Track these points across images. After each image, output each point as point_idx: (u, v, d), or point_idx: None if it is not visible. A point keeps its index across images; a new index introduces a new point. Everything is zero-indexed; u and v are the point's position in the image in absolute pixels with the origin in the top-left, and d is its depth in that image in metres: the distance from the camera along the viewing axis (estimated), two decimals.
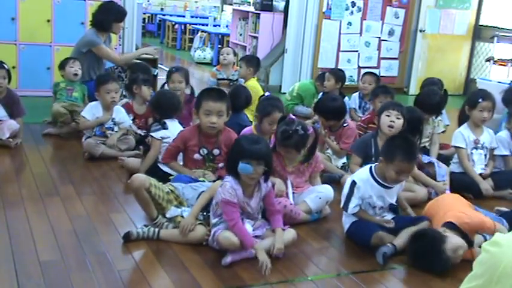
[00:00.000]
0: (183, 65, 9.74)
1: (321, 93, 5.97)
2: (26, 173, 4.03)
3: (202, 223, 3.01)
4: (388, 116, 3.80)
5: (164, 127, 3.91)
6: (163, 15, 14.30)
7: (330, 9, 7.87)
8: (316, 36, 7.86)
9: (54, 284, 2.52)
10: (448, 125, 5.04)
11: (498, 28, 8.45)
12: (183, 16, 13.50)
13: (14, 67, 5.87)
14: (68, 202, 3.46)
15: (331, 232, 3.36)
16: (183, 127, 4.01)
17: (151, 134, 3.93)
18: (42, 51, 6.18)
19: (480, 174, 4.15)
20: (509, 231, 3.21)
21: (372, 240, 3.00)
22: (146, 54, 5.85)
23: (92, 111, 4.47)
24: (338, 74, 5.94)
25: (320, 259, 3.02)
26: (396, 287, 2.81)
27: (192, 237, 2.96)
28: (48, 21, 6.15)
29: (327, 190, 3.50)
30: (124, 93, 5.20)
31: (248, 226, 2.95)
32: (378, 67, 8.31)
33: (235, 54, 6.19)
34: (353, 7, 8.02)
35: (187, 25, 12.70)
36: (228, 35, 10.06)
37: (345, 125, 4.36)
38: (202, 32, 11.47)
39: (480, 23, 8.76)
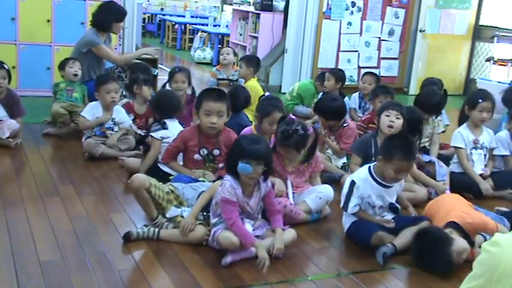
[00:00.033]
0: (183, 65, 9.74)
1: (321, 93, 5.97)
2: (26, 173, 4.03)
3: (202, 223, 3.01)
4: (388, 116, 3.80)
5: (164, 127, 3.92)
6: (163, 15, 14.30)
7: (330, 9, 7.87)
8: (316, 36, 7.86)
9: (54, 284, 2.52)
10: (448, 125, 5.05)
11: (498, 28, 8.45)
12: (183, 16, 13.50)
13: (14, 67, 5.87)
14: (68, 202, 3.46)
15: (331, 232, 3.36)
16: (183, 127, 4.01)
17: (151, 134, 3.93)
18: (42, 51, 6.18)
19: (480, 175, 4.15)
20: (510, 230, 3.22)
21: (372, 240, 3.00)
22: (146, 54, 5.85)
23: (92, 111, 4.48)
24: (338, 74, 5.94)
25: (320, 259, 3.02)
26: (396, 287, 2.81)
27: (192, 237, 2.96)
28: (48, 21, 6.15)
29: (327, 190, 3.50)
30: (124, 93, 5.20)
31: (248, 226, 2.95)
32: (378, 67, 8.31)
33: (235, 54, 6.19)
34: (353, 7, 8.02)
35: (187, 25, 12.70)
36: (228, 35, 10.06)
37: (345, 125, 4.36)
38: (202, 32, 11.47)
39: (480, 23, 8.76)
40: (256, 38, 8.39)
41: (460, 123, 4.39)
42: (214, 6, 14.20)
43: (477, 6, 8.69)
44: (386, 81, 7.57)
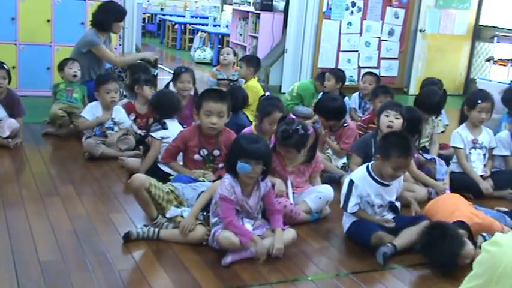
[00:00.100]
0: (183, 65, 9.73)
1: (321, 93, 5.97)
2: (26, 173, 4.03)
3: (202, 223, 3.01)
4: (387, 116, 3.80)
5: (164, 127, 3.92)
6: (163, 15, 14.30)
7: (330, 9, 7.87)
8: (316, 36, 7.86)
9: (54, 284, 2.52)
10: (447, 125, 5.05)
11: (498, 28, 8.45)
12: (183, 16, 13.50)
13: (14, 67, 5.87)
14: (68, 202, 3.46)
15: (331, 232, 3.36)
16: (184, 127, 4.01)
17: (151, 134, 3.93)
18: (42, 51, 6.18)
19: (481, 176, 4.15)
20: None
21: (372, 240, 3.00)
22: (145, 58, 5.83)
23: (91, 111, 4.48)
24: (338, 74, 5.94)
25: (320, 259, 3.02)
26: (396, 287, 2.81)
27: (192, 237, 2.96)
28: (48, 21, 6.15)
29: (327, 190, 3.50)
30: (124, 93, 5.20)
31: (248, 226, 2.96)
32: (378, 67, 8.31)
33: (235, 54, 6.19)
34: (353, 7, 8.02)
35: (187, 25, 12.70)
36: (228, 35, 10.05)
37: (345, 125, 4.36)
38: (202, 32, 11.47)
39: (480, 23, 8.76)
40: (256, 38, 8.39)
41: (460, 124, 4.39)
42: (214, 6, 14.20)
43: (477, 6, 8.69)
44: (387, 81, 7.57)
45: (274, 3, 8.38)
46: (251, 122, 4.64)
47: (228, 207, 2.86)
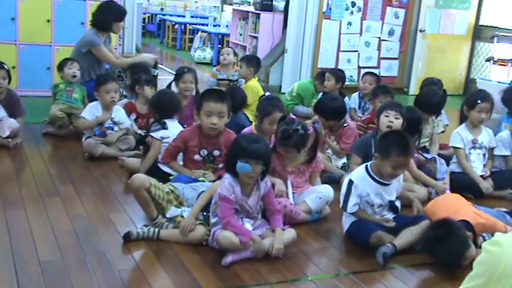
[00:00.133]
0: (183, 65, 9.73)
1: (321, 93, 5.97)
2: (26, 173, 4.03)
3: (202, 223, 3.01)
4: (387, 116, 3.80)
5: (164, 127, 3.91)
6: (163, 15, 14.30)
7: (330, 9, 7.87)
8: (316, 36, 7.86)
9: (54, 284, 2.52)
10: (447, 125, 5.05)
11: (498, 28, 8.45)
12: (183, 16, 13.50)
13: (14, 67, 5.87)
14: (68, 202, 3.46)
15: (331, 232, 3.36)
16: (184, 127, 4.01)
17: (151, 134, 3.93)
18: (42, 51, 6.18)
19: (481, 176, 4.15)
20: None
21: (371, 240, 3.00)
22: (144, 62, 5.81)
23: (91, 112, 4.48)
24: (338, 74, 5.93)
25: (320, 259, 3.02)
26: (396, 287, 2.81)
27: (192, 237, 2.96)
28: (48, 21, 6.15)
29: (327, 190, 3.50)
30: (124, 93, 5.20)
31: (248, 225, 2.96)
32: (378, 67, 8.31)
33: (235, 54, 6.19)
34: (353, 7, 8.02)
35: (187, 25, 12.70)
36: (228, 35, 10.05)
37: (345, 125, 4.36)
38: (202, 32, 11.47)
39: (480, 23, 8.76)
40: (256, 38, 8.39)
41: (461, 124, 4.39)
42: (214, 6, 14.20)
43: (477, 6, 8.69)
44: (387, 81, 7.57)
45: (274, 3, 8.38)
46: (251, 122, 4.64)
47: (227, 207, 2.86)
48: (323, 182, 3.65)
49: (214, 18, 12.53)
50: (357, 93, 5.90)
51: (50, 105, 5.01)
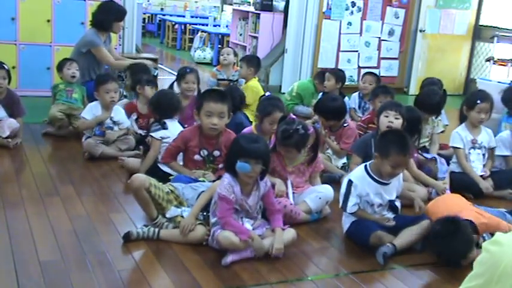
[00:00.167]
0: (183, 65, 9.73)
1: (321, 93, 5.96)
2: (26, 173, 4.03)
3: (202, 223, 3.01)
4: (387, 116, 3.80)
5: (164, 127, 3.92)
6: (163, 15, 14.30)
7: (330, 9, 7.87)
8: (316, 36, 7.86)
9: (54, 284, 2.52)
10: (447, 125, 5.05)
11: (498, 28, 8.45)
12: (183, 16, 13.50)
13: (14, 67, 5.87)
14: (68, 202, 3.46)
15: (331, 232, 3.36)
16: (184, 127, 4.01)
17: (151, 134, 3.93)
18: (42, 51, 6.18)
19: (481, 176, 4.15)
20: None
21: (371, 240, 3.00)
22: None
23: (91, 112, 4.48)
24: (338, 74, 5.93)
25: (320, 259, 3.02)
26: (396, 287, 2.81)
27: (192, 237, 2.96)
28: (48, 21, 6.15)
29: (327, 190, 3.50)
30: (124, 93, 5.20)
31: (248, 225, 2.96)
32: (378, 67, 8.31)
33: (235, 54, 6.19)
34: (353, 7, 8.02)
35: (187, 25, 12.70)
36: (228, 35, 10.05)
37: (345, 125, 4.36)
38: (202, 32, 11.47)
39: (480, 23, 8.76)
40: (256, 38, 8.39)
41: (461, 124, 4.39)
42: (214, 6, 14.20)
43: (477, 6, 8.69)
44: (387, 81, 7.56)
45: (274, 3, 8.38)
46: (251, 122, 4.64)
47: (226, 207, 2.86)
48: (323, 182, 3.65)
49: (214, 18, 12.53)
50: (357, 93, 5.90)
51: (50, 105, 5.00)
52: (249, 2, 10.53)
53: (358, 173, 3.17)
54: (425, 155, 4.32)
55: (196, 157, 3.61)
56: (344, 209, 3.16)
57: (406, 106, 4.10)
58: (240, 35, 9.12)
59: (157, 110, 4.10)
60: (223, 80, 5.93)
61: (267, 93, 5.42)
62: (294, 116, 3.80)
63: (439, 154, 4.51)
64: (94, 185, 3.84)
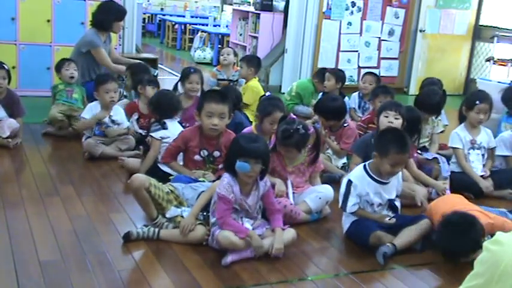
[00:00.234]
0: (183, 65, 9.74)
1: (321, 93, 5.96)
2: (26, 173, 4.03)
3: (202, 223, 3.01)
4: (387, 116, 3.80)
5: (164, 127, 3.92)
6: (163, 15, 14.29)
7: (330, 9, 7.87)
8: (316, 36, 7.86)
9: (54, 284, 2.52)
10: (447, 125, 5.04)
11: (498, 28, 8.45)
12: (183, 16, 13.50)
13: (14, 67, 5.87)
14: (68, 202, 3.46)
15: (331, 232, 3.36)
16: (184, 127, 4.01)
17: (151, 134, 3.93)
18: (42, 51, 6.18)
19: (481, 176, 4.15)
20: None
21: (370, 240, 3.00)
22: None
23: (91, 112, 4.48)
24: (338, 74, 5.92)
25: (320, 259, 3.02)
26: (396, 287, 2.81)
27: (192, 237, 2.96)
28: (48, 21, 6.15)
29: (327, 190, 3.50)
30: (124, 93, 5.20)
31: (247, 225, 2.96)
32: (378, 67, 8.30)
33: (235, 54, 6.18)
34: (353, 7, 8.01)
35: (187, 25, 12.69)
36: (228, 35, 10.05)
37: (345, 125, 4.36)
38: (202, 32, 11.47)
39: (480, 23, 8.75)
40: (256, 38, 8.39)
41: (460, 124, 4.38)
42: (214, 6, 14.20)
43: (477, 6, 8.68)
44: (387, 81, 7.56)
45: (274, 3, 8.38)
46: (251, 122, 4.64)
47: (224, 207, 2.86)
48: (323, 182, 3.65)
49: (214, 18, 12.53)
50: (356, 93, 5.90)
51: (50, 105, 5.00)
52: (249, 2, 10.53)
53: (357, 173, 3.17)
54: (426, 155, 4.32)
55: (197, 157, 3.61)
56: (344, 209, 3.16)
57: (406, 106, 4.10)
58: (240, 35, 9.12)
59: (157, 110, 4.10)
60: (224, 80, 5.92)
61: (267, 93, 5.42)
62: (294, 116, 3.80)
63: (438, 154, 4.51)
64: (94, 185, 3.84)
